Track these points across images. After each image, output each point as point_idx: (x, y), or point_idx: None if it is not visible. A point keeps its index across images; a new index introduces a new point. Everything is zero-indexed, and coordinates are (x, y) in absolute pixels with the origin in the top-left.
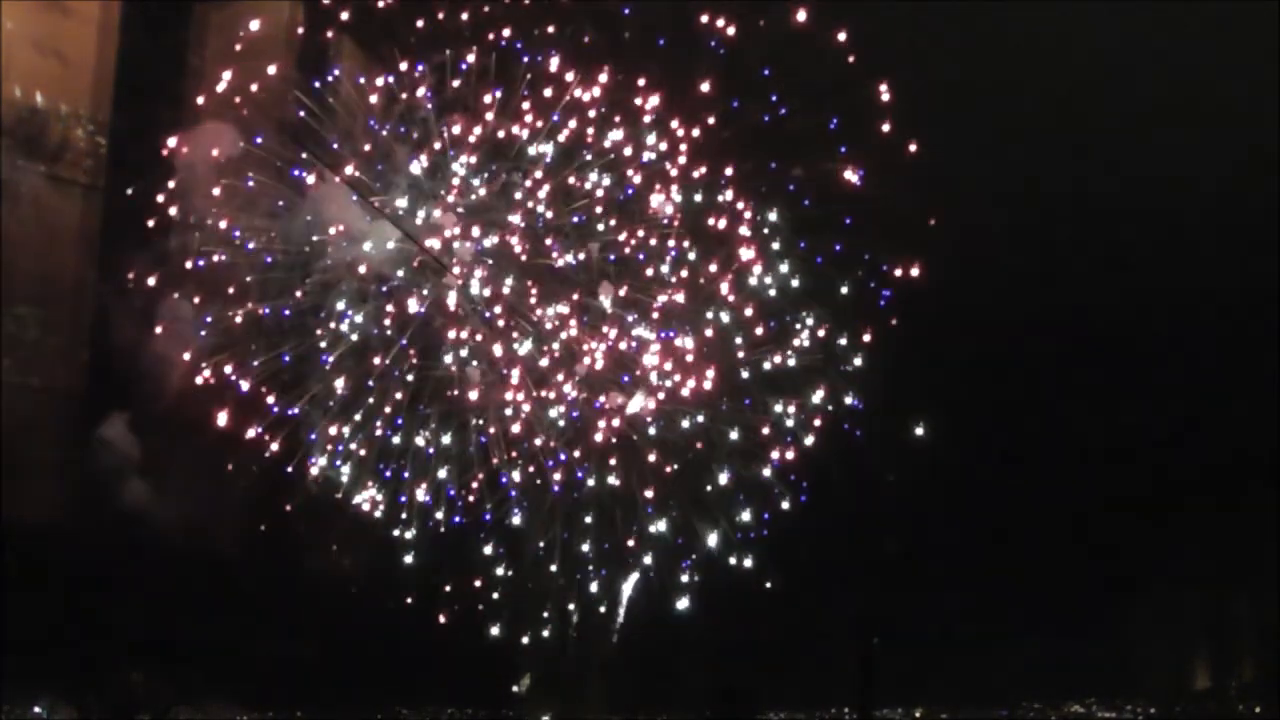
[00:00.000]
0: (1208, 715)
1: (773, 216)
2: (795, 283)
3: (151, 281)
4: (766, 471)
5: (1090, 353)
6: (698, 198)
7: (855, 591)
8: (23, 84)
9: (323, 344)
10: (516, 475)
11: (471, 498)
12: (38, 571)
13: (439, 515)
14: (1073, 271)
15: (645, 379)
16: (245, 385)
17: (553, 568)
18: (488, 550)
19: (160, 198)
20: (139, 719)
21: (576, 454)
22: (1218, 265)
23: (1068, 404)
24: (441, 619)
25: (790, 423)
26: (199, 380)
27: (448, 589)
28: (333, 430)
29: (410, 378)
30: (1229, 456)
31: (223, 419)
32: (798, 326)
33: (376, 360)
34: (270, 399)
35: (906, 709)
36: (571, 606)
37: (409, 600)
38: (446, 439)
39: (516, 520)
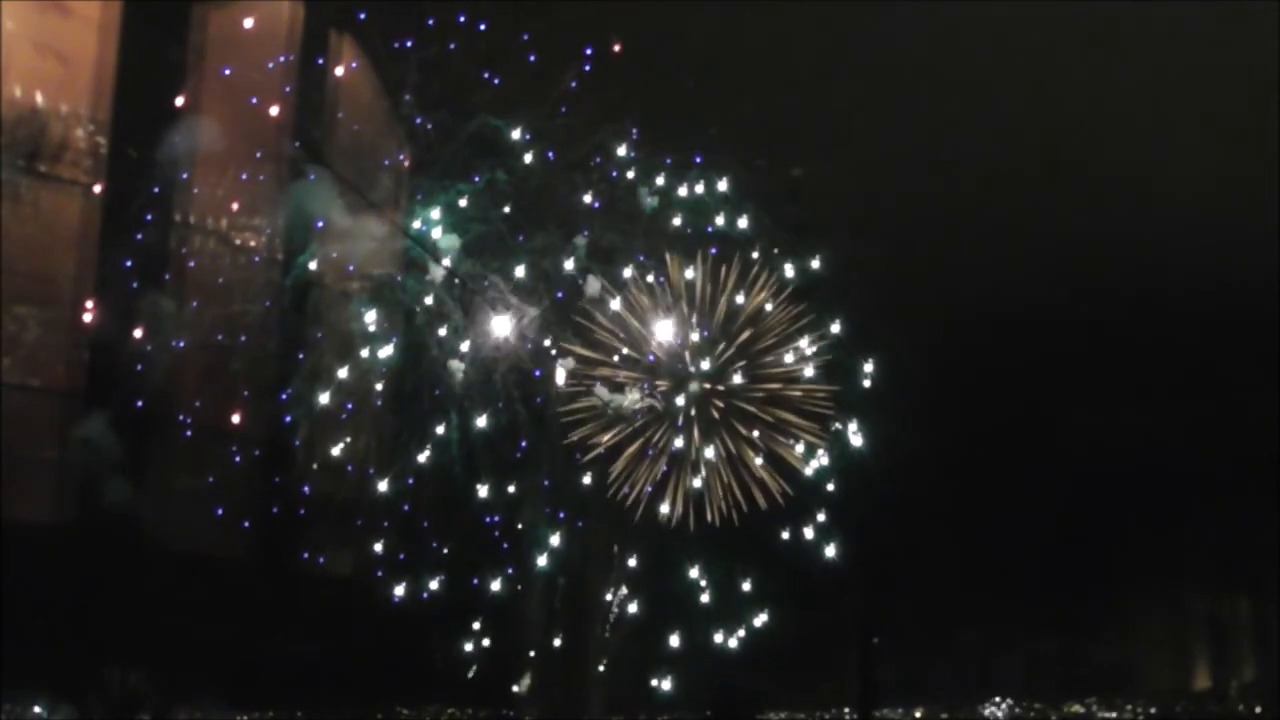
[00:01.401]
0: (1208, 715)
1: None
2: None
3: (149, 282)
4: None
5: (1090, 354)
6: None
7: (855, 592)
8: (23, 84)
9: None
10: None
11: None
12: (37, 571)
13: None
14: (1071, 272)
15: (635, 376)
16: (241, 385)
17: (553, 570)
18: (484, 551)
19: (157, 198)
20: (139, 719)
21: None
22: (1218, 263)
23: (1068, 405)
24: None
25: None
26: (195, 380)
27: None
28: (324, 428)
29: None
30: (1229, 456)
31: (220, 419)
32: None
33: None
34: (265, 398)
35: (906, 709)
36: (571, 607)
37: (408, 601)
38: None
39: (514, 521)
